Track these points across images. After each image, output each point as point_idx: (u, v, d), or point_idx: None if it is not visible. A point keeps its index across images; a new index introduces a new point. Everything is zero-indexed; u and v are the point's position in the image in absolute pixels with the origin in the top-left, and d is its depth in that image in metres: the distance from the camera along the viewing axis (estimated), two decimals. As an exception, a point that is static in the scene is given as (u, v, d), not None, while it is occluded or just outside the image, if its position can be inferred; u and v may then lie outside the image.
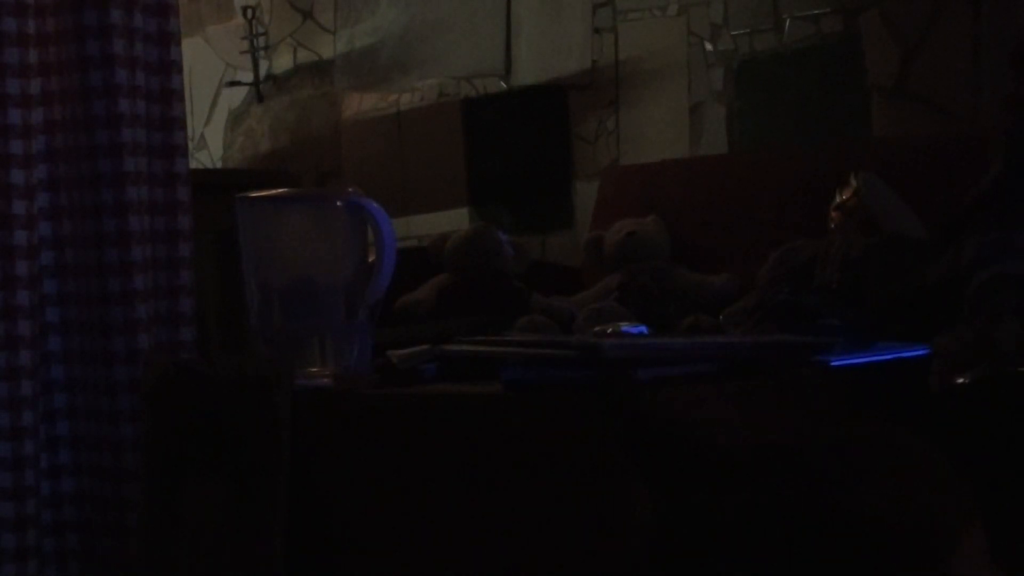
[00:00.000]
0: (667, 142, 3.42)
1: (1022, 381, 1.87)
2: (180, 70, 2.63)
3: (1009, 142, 2.08)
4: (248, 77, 4.34)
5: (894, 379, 2.04)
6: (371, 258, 2.38)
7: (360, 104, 4.08)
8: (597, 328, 2.26)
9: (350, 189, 2.43)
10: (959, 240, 2.15)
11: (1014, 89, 2.09)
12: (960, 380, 1.88)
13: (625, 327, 2.18)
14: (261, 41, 4.30)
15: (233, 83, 4.38)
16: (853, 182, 2.59)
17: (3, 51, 2.50)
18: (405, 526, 2.11)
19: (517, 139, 3.72)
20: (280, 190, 2.57)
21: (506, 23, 3.74)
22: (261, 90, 4.33)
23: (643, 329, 2.18)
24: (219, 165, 4.45)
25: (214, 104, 4.49)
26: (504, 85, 3.75)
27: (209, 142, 4.49)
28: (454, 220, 3.77)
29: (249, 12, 4.29)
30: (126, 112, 2.53)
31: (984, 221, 2.06)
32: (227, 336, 3.30)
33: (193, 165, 3.13)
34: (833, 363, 2.10)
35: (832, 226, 2.60)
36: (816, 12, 3.18)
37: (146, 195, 2.56)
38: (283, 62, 4.29)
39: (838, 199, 2.61)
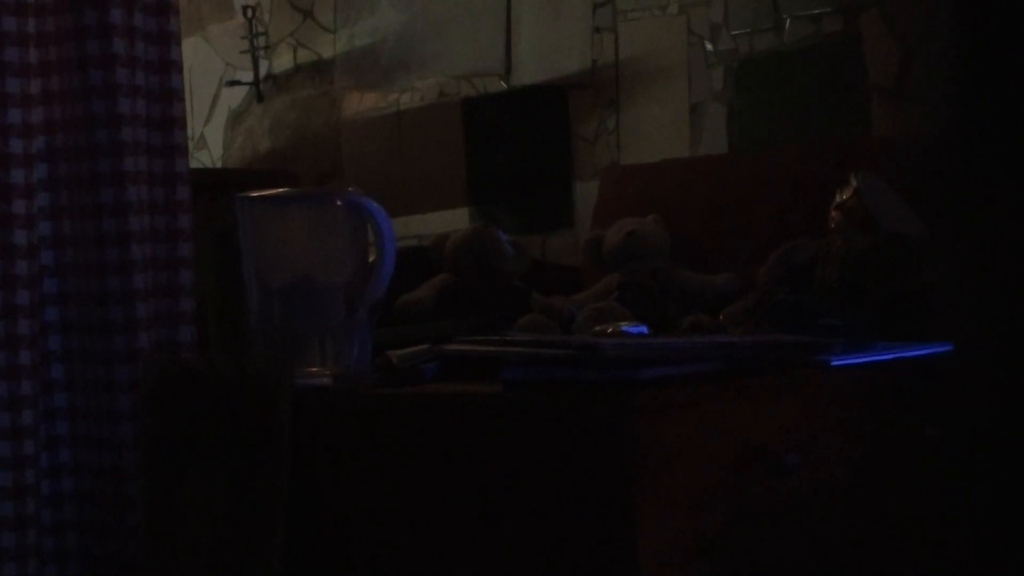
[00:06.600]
0: (667, 142, 3.42)
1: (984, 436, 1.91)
2: (180, 70, 2.63)
3: None
4: (248, 77, 4.34)
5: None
6: (371, 258, 2.38)
7: (360, 104, 4.08)
8: (597, 328, 2.26)
9: (350, 189, 2.43)
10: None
11: None
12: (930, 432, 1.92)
13: (625, 327, 2.18)
14: (261, 41, 4.30)
15: (233, 83, 4.38)
16: (853, 182, 2.60)
17: (3, 51, 2.50)
18: (405, 526, 2.11)
19: (517, 139, 3.72)
20: (280, 190, 2.56)
21: (506, 23, 3.74)
22: (261, 90, 4.33)
23: (643, 329, 2.18)
24: (219, 165, 4.45)
25: (214, 104, 4.49)
26: (504, 85, 3.75)
27: (209, 142, 4.49)
28: (454, 220, 3.77)
29: (249, 12, 4.29)
30: (126, 112, 2.52)
31: None
32: (227, 336, 3.30)
33: (193, 165, 3.13)
34: (833, 363, 2.10)
35: (832, 226, 2.60)
36: (816, 12, 3.18)
37: (146, 195, 2.56)
38: (283, 62, 4.29)
39: (838, 199, 2.61)
